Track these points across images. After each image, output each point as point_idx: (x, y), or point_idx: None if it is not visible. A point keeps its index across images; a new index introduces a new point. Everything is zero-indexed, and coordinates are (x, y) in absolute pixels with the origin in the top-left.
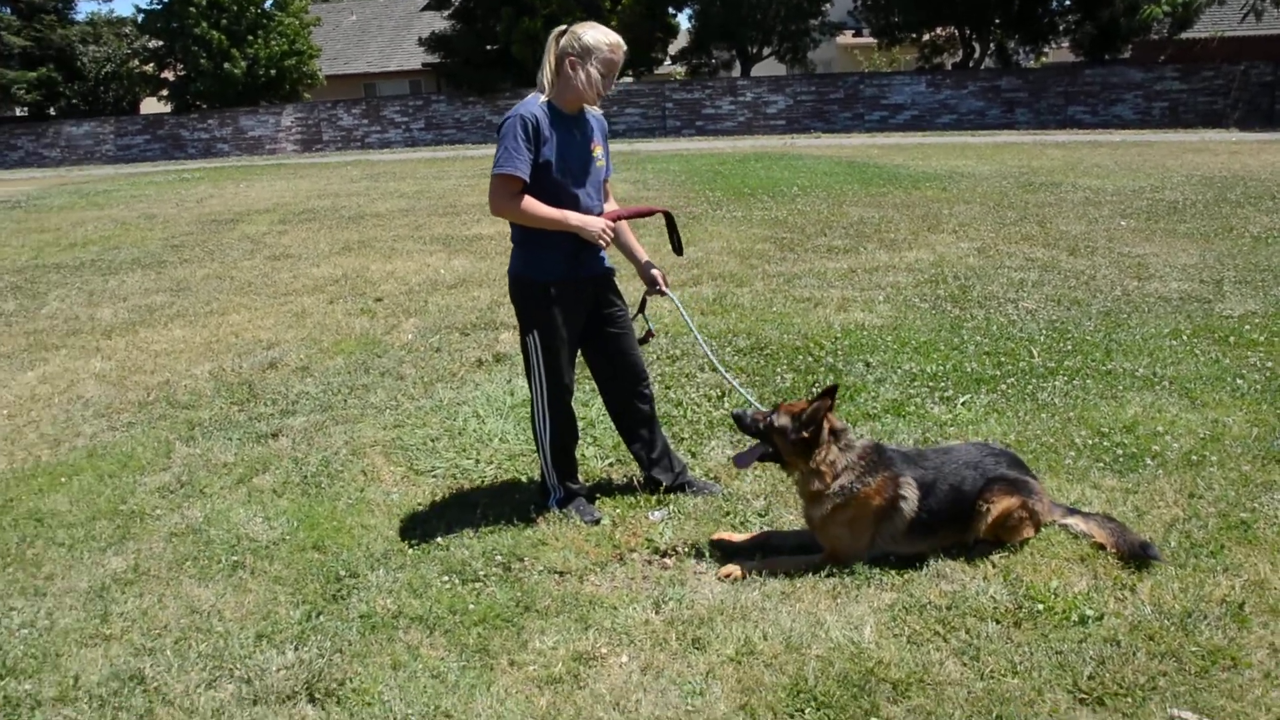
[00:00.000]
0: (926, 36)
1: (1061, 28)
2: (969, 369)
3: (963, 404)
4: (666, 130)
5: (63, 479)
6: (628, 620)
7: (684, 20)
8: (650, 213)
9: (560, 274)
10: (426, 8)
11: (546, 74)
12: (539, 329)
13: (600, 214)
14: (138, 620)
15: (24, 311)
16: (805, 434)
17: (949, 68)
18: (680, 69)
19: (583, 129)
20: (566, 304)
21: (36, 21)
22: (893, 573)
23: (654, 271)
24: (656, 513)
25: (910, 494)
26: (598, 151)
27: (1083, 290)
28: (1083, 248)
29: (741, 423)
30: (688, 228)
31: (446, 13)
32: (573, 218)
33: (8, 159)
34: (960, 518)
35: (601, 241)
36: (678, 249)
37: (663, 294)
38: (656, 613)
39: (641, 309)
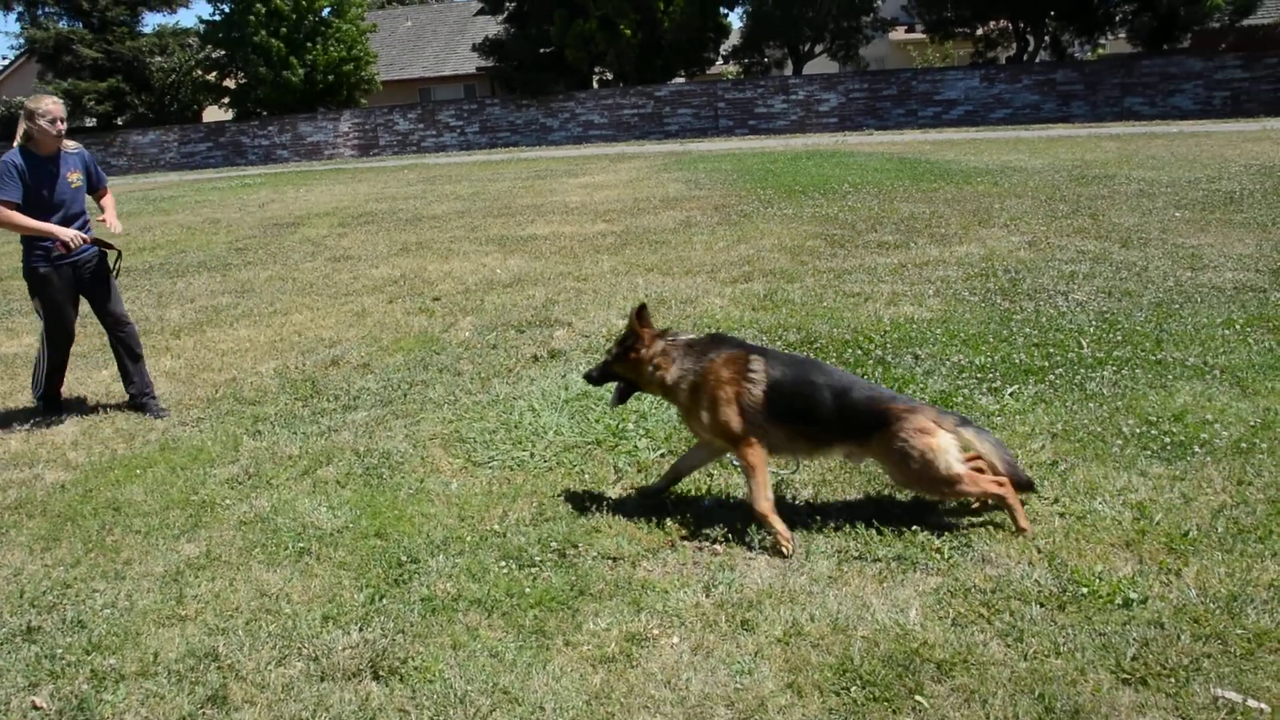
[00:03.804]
0: (980, 30)
1: (1118, 18)
2: (1017, 360)
3: (1010, 394)
4: (719, 130)
5: (138, 471)
6: (678, 603)
7: (735, 19)
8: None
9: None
10: (480, 12)
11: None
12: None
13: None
14: (211, 602)
15: None
16: (629, 348)
17: (1003, 62)
18: (732, 68)
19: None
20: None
21: (107, 34)
22: (939, 557)
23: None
24: (708, 501)
25: (759, 368)
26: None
27: (1134, 282)
28: (1135, 239)
29: (591, 379)
30: (738, 225)
31: (500, 17)
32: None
33: None
34: (852, 425)
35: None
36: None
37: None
38: (706, 596)
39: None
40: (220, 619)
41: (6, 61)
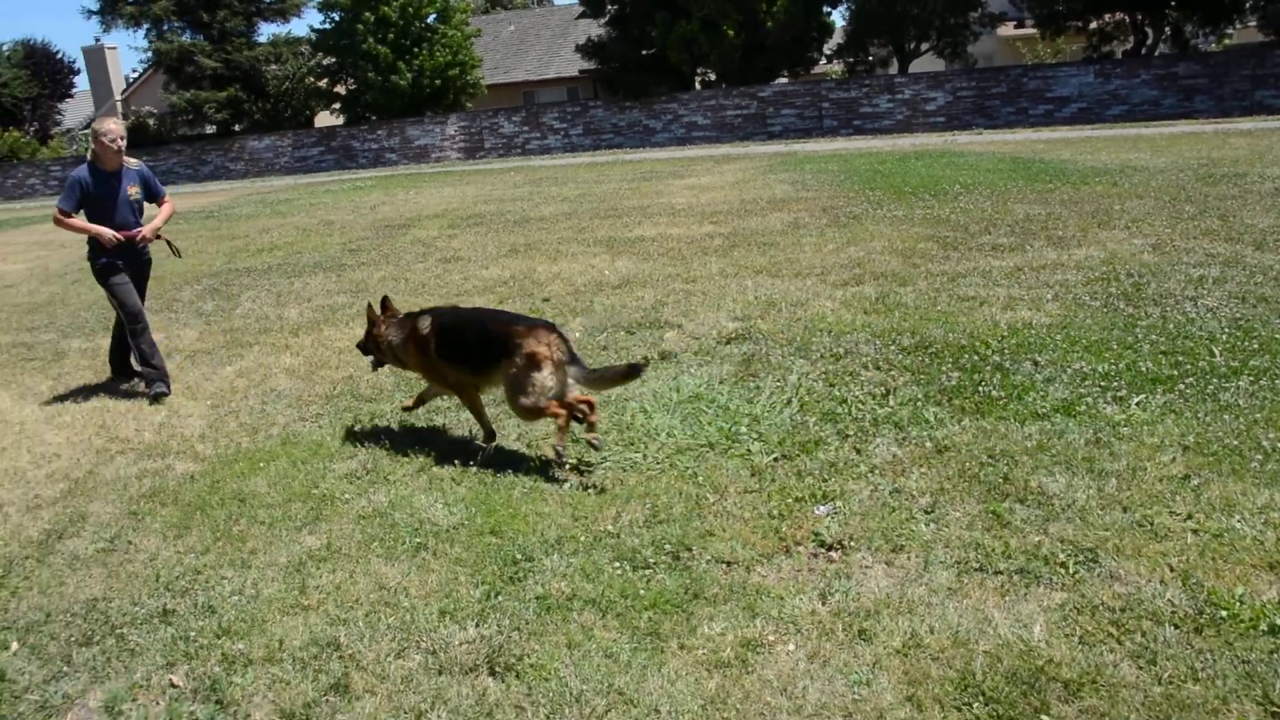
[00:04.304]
0: (1094, 24)
1: (1248, 6)
2: (1143, 368)
3: (1137, 404)
4: (823, 130)
5: (261, 464)
6: (794, 610)
7: (838, 18)
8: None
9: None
10: (582, 15)
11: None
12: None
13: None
14: (332, 593)
15: (221, 312)
16: (372, 328)
17: (1119, 56)
18: (836, 68)
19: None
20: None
21: (226, 45)
22: (1063, 572)
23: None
24: (823, 507)
25: (424, 323)
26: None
27: (1271, 286)
28: (1271, 241)
29: (360, 349)
30: (848, 227)
31: (602, 20)
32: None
33: (199, 173)
34: (488, 353)
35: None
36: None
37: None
38: (823, 603)
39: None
40: (341, 610)
41: (136, 74)
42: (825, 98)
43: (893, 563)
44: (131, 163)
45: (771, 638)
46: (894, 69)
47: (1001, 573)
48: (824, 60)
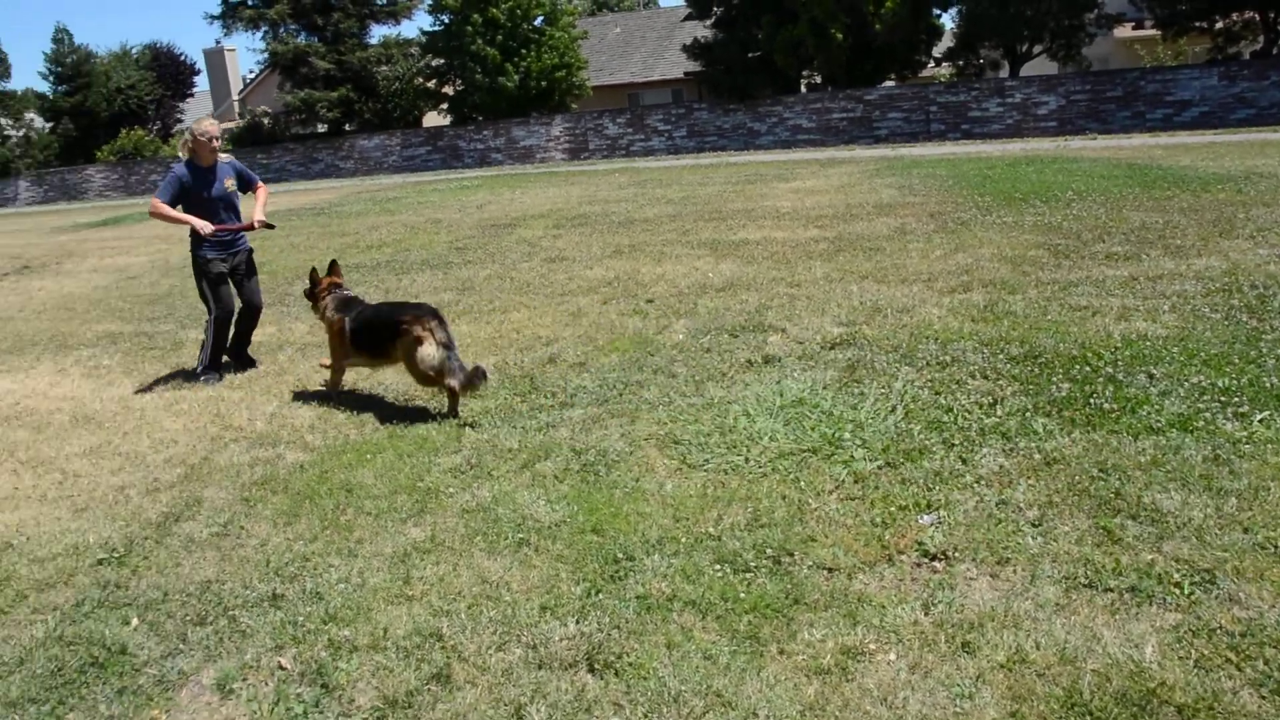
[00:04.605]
0: (1220, 24)
1: None
2: (1268, 384)
3: (1260, 421)
4: (930, 134)
5: (368, 455)
6: (896, 619)
7: (948, 20)
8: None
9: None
10: (688, 18)
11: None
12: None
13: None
14: (435, 585)
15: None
16: (313, 286)
17: (1246, 57)
18: (944, 71)
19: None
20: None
21: (339, 46)
22: (1178, 592)
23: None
24: (927, 516)
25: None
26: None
27: None
28: None
29: (305, 293)
30: (956, 233)
31: (708, 22)
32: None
33: (311, 170)
34: (385, 341)
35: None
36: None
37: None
38: (925, 614)
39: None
40: (444, 601)
41: (252, 75)
42: (933, 101)
43: (998, 575)
44: (223, 157)
45: (872, 646)
46: (1004, 72)
47: (1111, 590)
48: (932, 63)
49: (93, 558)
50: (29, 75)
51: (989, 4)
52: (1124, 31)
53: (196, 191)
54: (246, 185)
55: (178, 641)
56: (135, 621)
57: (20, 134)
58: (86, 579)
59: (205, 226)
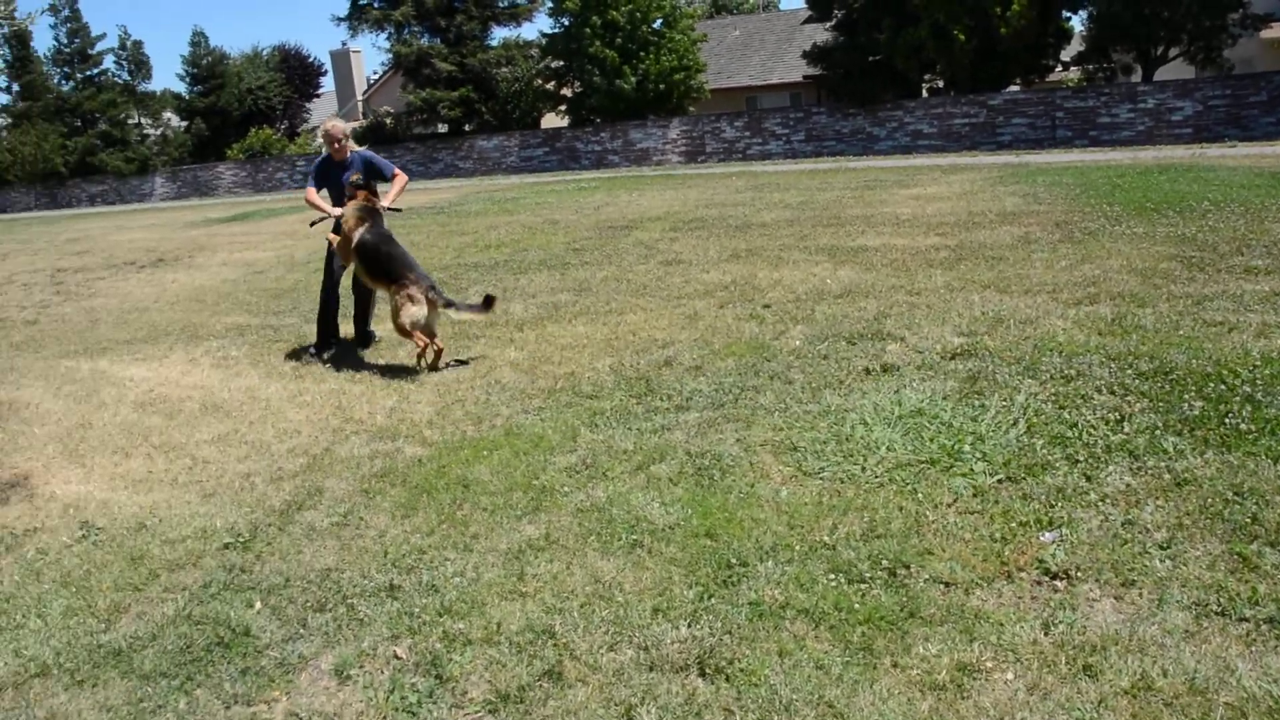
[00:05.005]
0: None
1: None
2: None
3: None
4: (1056, 141)
5: (484, 452)
6: (1014, 637)
7: (1077, 23)
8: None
9: None
10: (808, 21)
11: None
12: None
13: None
14: (549, 583)
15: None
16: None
17: None
18: (1073, 75)
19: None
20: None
21: (461, 48)
22: None
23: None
24: (1048, 534)
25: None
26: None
27: None
28: None
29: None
30: (1082, 243)
31: (828, 25)
32: None
33: (431, 169)
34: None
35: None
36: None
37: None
38: (1045, 634)
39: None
40: (557, 599)
41: (376, 76)
42: (1059, 106)
43: (1122, 598)
44: (358, 149)
45: (989, 664)
46: (1136, 76)
47: (1247, 620)
48: (1060, 67)
49: (219, 541)
50: (167, 76)
51: (1121, 6)
52: (1271, 32)
53: (331, 183)
54: (378, 175)
55: (298, 626)
56: (258, 605)
57: (158, 133)
58: (213, 561)
59: (337, 211)
